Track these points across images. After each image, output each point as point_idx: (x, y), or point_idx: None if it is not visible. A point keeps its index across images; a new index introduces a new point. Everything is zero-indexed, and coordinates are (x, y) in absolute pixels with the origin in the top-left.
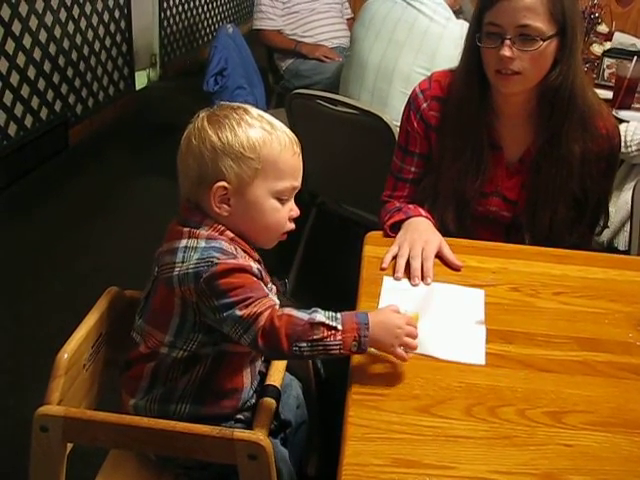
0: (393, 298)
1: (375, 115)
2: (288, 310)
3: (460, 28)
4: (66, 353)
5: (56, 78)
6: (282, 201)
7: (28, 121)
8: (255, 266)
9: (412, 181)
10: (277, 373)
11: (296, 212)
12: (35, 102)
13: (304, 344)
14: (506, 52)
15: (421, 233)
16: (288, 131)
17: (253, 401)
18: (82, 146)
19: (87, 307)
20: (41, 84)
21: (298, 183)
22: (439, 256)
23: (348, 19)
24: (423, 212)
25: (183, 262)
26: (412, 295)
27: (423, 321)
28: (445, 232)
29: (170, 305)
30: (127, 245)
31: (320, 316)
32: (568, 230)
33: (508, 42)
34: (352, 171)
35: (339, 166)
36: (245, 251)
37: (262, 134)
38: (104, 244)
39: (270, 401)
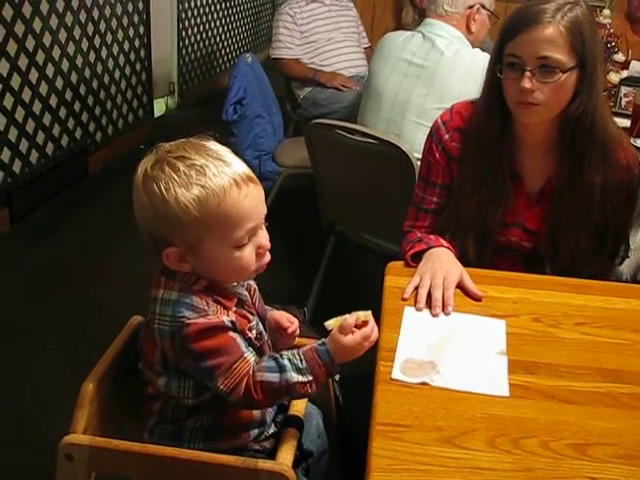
0: (414, 329)
1: (394, 145)
2: (260, 375)
3: (470, 58)
4: (91, 383)
5: (77, 106)
6: (243, 245)
7: (49, 149)
8: (228, 319)
9: (434, 211)
10: (300, 403)
11: (265, 247)
12: (56, 130)
13: (284, 398)
14: (526, 84)
15: (442, 263)
16: (229, 168)
17: (271, 431)
18: (101, 173)
19: (107, 335)
20: (62, 112)
21: (256, 222)
22: (460, 286)
23: (365, 48)
24: (444, 242)
25: (160, 315)
26: (434, 326)
27: (445, 352)
28: (466, 262)
29: (152, 353)
30: (146, 273)
31: (291, 374)
32: (589, 260)
33: (528, 74)
34: (371, 200)
35: (358, 195)
36: (219, 301)
37: (194, 192)
38: (123, 271)
39: (294, 432)
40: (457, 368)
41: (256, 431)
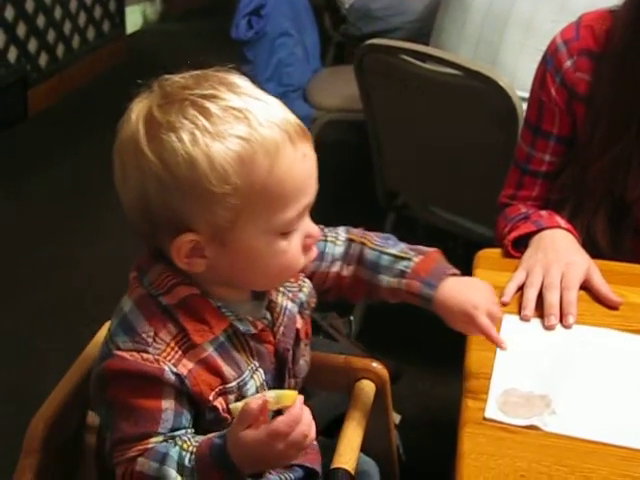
0: (518, 347)
1: (487, 78)
2: (141, 462)
3: None
4: (42, 421)
5: (10, 15)
6: (291, 232)
7: None
8: (173, 371)
9: (546, 175)
10: (350, 451)
11: (315, 236)
12: None
13: None
14: None
15: (559, 252)
16: (277, 115)
17: None
18: (48, 115)
19: (71, 347)
20: None
21: (311, 197)
22: (586, 287)
23: None
24: (562, 222)
25: (108, 331)
26: (547, 343)
27: (564, 382)
28: (595, 251)
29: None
30: (117, 255)
31: (168, 471)
32: None
33: None
34: (450, 160)
35: (431, 153)
36: (185, 332)
37: (235, 147)
38: (85, 254)
39: None
40: (582, 407)
41: None
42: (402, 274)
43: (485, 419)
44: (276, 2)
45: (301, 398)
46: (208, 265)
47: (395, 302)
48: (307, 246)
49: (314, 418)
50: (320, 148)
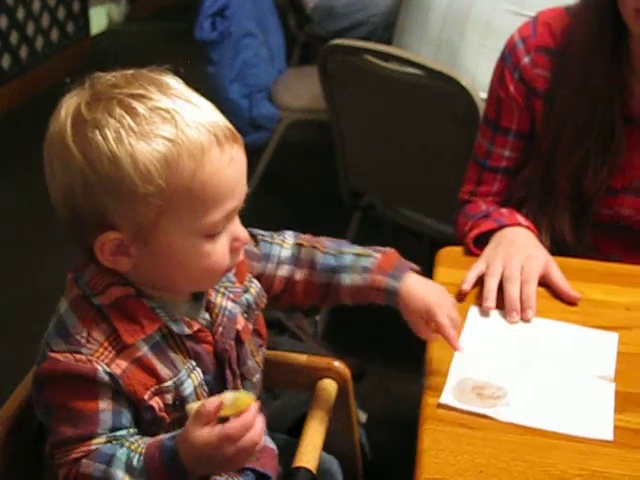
0: (477, 338)
1: (449, 78)
2: (85, 463)
3: None
4: (1, 424)
5: None
6: (216, 235)
7: None
8: (106, 370)
9: (505, 171)
10: (312, 450)
11: (242, 240)
12: None
13: None
14: None
15: (519, 247)
16: (205, 117)
17: None
18: (11, 117)
19: (33, 351)
20: None
21: (238, 201)
22: (546, 282)
23: None
24: (522, 220)
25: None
26: (505, 335)
27: (521, 376)
28: (561, 247)
29: None
30: None
31: (116, 472)
32: None
33: None
34: (414, 160)
35: (395, 152)
36: (116, 333)
37: (160, 148)
38: (50, 257)
39: None
40: (542, 399)
41: None
42: (366, 270)
43: (440, 405)
44: (240, 3)
45: (256, 405)
46: (134, 264)
47: (351, 304)
48: (234, 249)
49: (280, 417)
50: (286, 148)
